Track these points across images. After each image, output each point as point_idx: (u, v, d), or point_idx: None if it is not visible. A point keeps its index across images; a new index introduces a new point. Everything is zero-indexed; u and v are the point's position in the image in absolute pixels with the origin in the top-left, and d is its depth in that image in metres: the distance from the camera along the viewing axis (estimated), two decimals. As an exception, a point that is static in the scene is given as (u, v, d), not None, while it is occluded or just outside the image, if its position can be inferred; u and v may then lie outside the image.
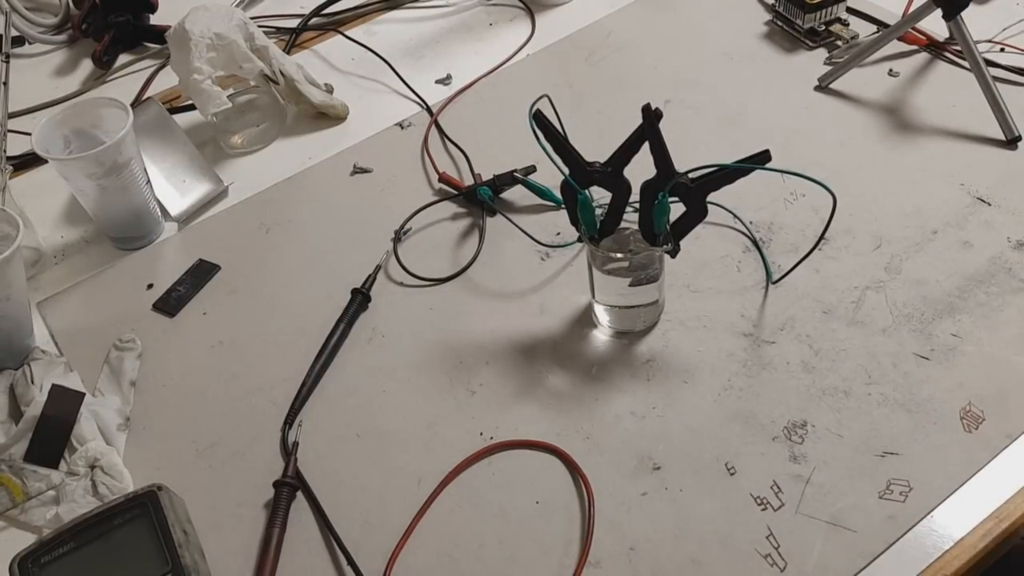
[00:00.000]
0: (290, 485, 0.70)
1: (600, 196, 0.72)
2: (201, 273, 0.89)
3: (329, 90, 1.06)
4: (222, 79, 0.98)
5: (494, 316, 0.81)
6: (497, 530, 0.67)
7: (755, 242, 0.84)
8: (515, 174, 0.90)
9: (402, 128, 1.02)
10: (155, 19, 1.20)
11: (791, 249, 0.82)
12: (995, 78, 0.91)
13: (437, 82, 1.08)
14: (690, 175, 0.69)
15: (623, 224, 0.74)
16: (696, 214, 0.70)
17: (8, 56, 1.03)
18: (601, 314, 0.79)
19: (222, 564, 0.68)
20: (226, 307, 0.86)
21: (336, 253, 0.89)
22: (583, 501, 0.68)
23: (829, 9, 1.02)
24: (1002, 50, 0.98)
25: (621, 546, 0.65)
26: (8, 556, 0.63)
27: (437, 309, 0.83)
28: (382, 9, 1.21)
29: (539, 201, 0.91)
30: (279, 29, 1.19)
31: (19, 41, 1.21)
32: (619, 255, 0.73)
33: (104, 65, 1.17)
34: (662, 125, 0.66)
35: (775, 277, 0.81)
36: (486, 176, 0.92)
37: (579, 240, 0.84)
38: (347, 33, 1.16)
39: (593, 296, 0.78)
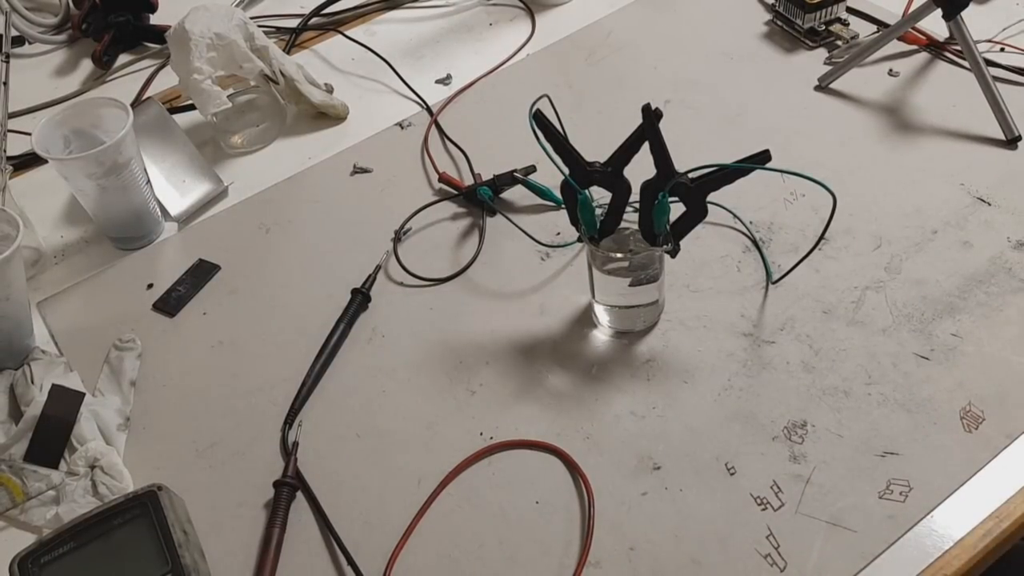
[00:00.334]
0: (290, 485, 0.70)
1: (600, 196, 0.72)
2: (201, 273, 0.89)
3: (329, 90, 1.06)
4: (222, 79, 0.98)
5: (494, 316, 0.81)
6: (497, 530, 0.67)
7: (755, 242, 0.84)
8: (515, 174, 0.90)
9: (402, 128, 1.03)
10: (155, 19, 1.20)
11: (791, 249, 0.83)
12: (995, 78, 0.91)
13: (437, 82, 1.08)
14: (690, 175, 0.69)
15: (623, 224, 0.74)
16: (696, 214, 0.70)
17: (8, 56, 1.02)
18: (601, 314, 0.79)
19: (222, 564, 0.68)
20: (226, 307, 0.86)
21: (336, 253, 0.89)
22: (583, 501, 0.68)
23: (829, 9, 1.02)
24: (1002, 50, 0.98)
25: (621, 546, 0.65)
26: (8, 556, 0.63)
27: (437, 309, 0.83)
28: (382, 9, 1.21)
29: (539, 201, 0.91)
30: (279, 29, 1.19)
31: (19, 41, 1.21)
32: (619, 255, 0.73)
33: (104, 65, 1.17)
34: (662, 125, 0.66)
35: (775, 277, 0.81)
36: (486, 176, 0.92)
37: (579, 240, 0.84)
38: (347, 33, 1.16)
39: (593, 296, 0.78)
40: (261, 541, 0.68)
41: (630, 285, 0.74)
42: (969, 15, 0.89)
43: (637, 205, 0.71)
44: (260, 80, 1.01)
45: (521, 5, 1.17)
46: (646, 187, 0.69)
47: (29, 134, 0.89)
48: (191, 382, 0.80)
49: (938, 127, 0.92)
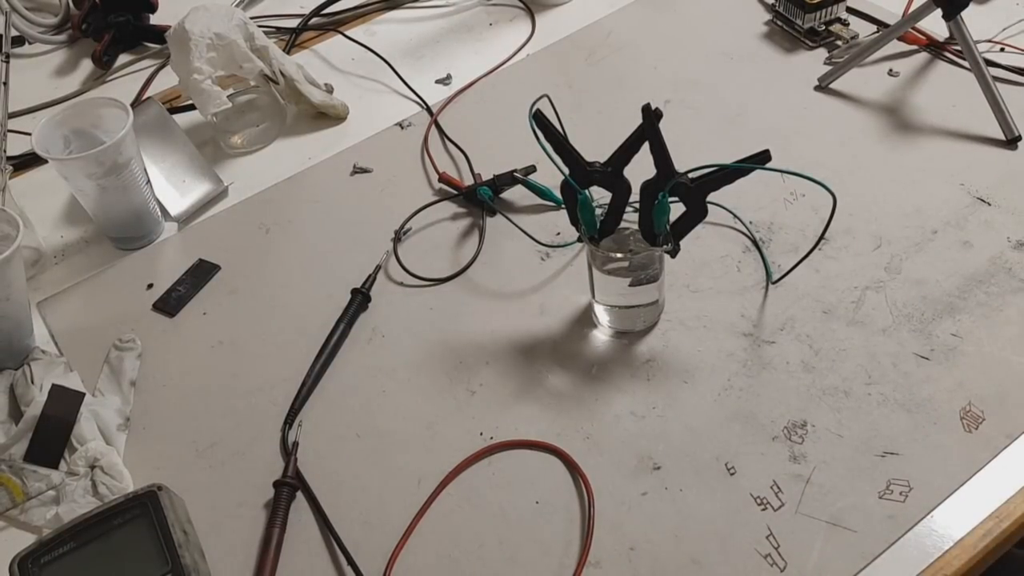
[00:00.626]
0: (290, 485, 0.70)
1: (600, 196, 0.72)
2: (201, 273, 0.89)
3: (329, 90, 1.06)
4: (222, 79, 0.98)
5: (494, 316, 0.81)
6: (497, 530, 0.67)
7: (755, 242, 0.84)
8: (515, 174, 0.90)
9: (402, 128, 1.03)
10: (155, 19, 1.20)
11: (791, 249, 0.83)
12: (995, 78, 0.91)
13: (437, 82, 1.08)
14: (690, 175, 0.69)
15: (623, 224, 0.74)
16: (696, 214, 0.70)
17: (8, 56, 1.02)
18: (601, 314, 0.79)
19: (222, 564, 0.68)
20: (226, 307, 0.86)
21: (336, 253, 0.89)
22: (583, 501, 0.68)
23: (829, 9, 1.02)
24: (1002, 50, 0.98)
25: (621, 546, 0.65)
26: (8, 556, 0.63)
27: (437, 309, 0.83)
28: (382, 9, 1.21)
29: (539, 201, 0.91)
30: (279, 29, 1.19)
31: (19, 41, 1.21)
32: (619, 255, 0.73)
33: (104, 65, 1.17)
34: (662, 125, 0.66)
35: (775, 277, 0.81)
36: (486, 176, 0.92)
37: (579, 240, 0.84)
38: (347, 33, 1.16)
39: (593, 296, 0.78)
40: (261, 541, 0.68)
41: (630, 285, 0.74)
42: (969, 15, 0.89)
43: (637, 205, 0.71)
44: (260, 80, 1.01)
45: (521, 5, 1.17)
46: (646, 187, 0.69)
47: (29, 134, 0.89)
48: (191, 382, 0.80)
49: (938, 127, 0.92)
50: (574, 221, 0.74)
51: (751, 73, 1.02)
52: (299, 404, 0.77)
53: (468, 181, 0.93)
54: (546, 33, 1.12)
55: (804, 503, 0.66)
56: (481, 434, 0.73)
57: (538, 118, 0.69)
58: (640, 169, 0.69)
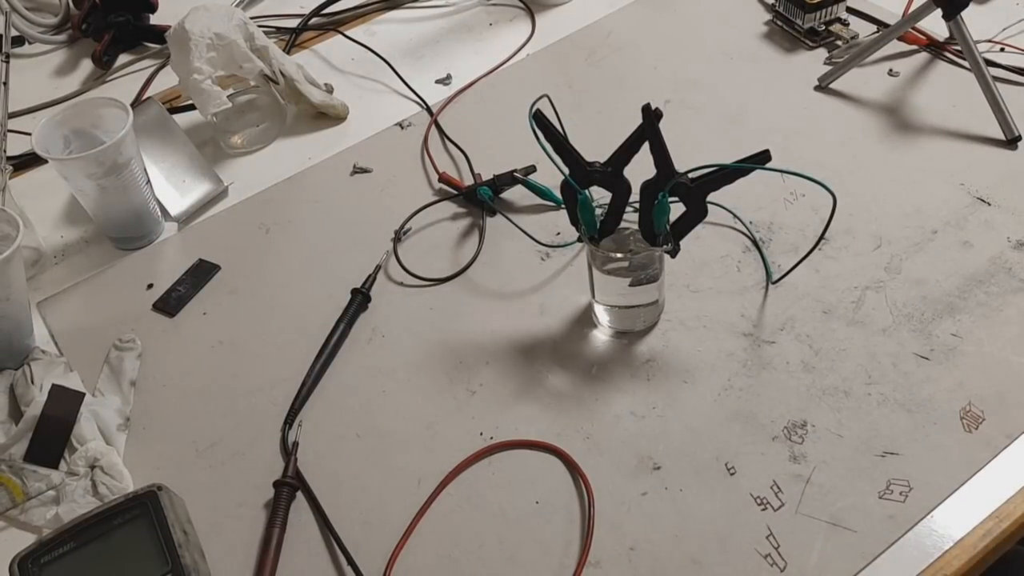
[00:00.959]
0: (290, 485, 0.70)
1: (600, 196, 0.72)
2: (201, 273, 0.89)
3: (329, 90, 1.06)
4: (222, 79, 0.98)
5: (494, 316, 0.81)
6: (497, 530, 0.67)
7: (755, 242, 0.84)
8: (515, 174, 0.90)
9: (402, 128, 1.03)
10: (155, 19, 1.20)
11: (791, 249, 0.83)
12: (995, 78, 0.91)
13: (437, 82, 1.08)
14: (690, 175, 0.69)
15: (623, 224, 0.74)
16: (696, 214, 0.70)
17: (8, 56, 1.02)
18: (601, 314, 0.79)
19: (222, 564, 0.68)
20: (226, 307, 0.86)
21: (336, 253, 0.89)
22: (583, 501, 0.68)
23: (829, 9, 1.02)
24: (1002, 50, 0.98)
25: (621, 546, 0.65)
26: (8, 556, 0.63)
27: (437, 309, 0.83)
28: (382, 9, 1.21)
29: (539, 201, 0.91)
30: (279, 29, 1.19)
31: (19, 41, 1.21)
32: (619, 255, 0.73)
33: (104, 65, 1.17)
34: (662, 125, 0.66)
35: (775, 277, 0.81)
36: (486, 176, 0.92)
37: (579, 240, 0.84)
38: (347, 33, 1.16)
39: (593, 296, 0.78)
40: (261, 541, 0.68)
41: (630, 285, 0.74)
42: (969, 15, 0.89)
43: (637, 205, 0.71)
44: (260, 80, 1.01)
45: (521, 5, 1.17)
46: (646, 187, 0.69)
47: (29, 134, 0.89)
48: (191, 382, 0.80)
49: (938, 127, 0.92)
50: (574, 221, 0.74)
51: (751, 73, 1.02)
52: (299, 404, 0.77)
53: (468, 181, 0.93)
54: (546, 33, 1.12)
55: (804, 503, 0.66)
56: (481, 434, 0.73)
57: (538, 118, 0.69)
58: (640, 169, 0.69)
